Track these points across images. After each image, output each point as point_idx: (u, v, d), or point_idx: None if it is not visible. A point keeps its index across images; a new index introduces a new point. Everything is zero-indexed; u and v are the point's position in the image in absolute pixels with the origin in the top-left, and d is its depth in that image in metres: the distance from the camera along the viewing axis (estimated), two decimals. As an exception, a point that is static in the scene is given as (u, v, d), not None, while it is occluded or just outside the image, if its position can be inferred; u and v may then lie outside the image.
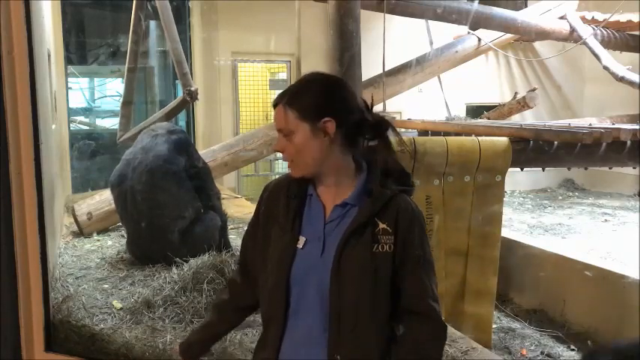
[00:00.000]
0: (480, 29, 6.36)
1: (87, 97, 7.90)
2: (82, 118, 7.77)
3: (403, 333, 1.40)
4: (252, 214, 1.52)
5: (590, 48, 6.25)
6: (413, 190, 1.43)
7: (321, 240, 1.38)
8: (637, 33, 6.79)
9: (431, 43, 6.59)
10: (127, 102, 5.64)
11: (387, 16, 5.04)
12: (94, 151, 6.36)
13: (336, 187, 1.40)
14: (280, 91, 1.41)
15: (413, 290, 1.38)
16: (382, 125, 1.40)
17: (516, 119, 7.33)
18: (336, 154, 1.38)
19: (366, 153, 1.42)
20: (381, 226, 1.35)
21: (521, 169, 4.26)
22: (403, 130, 6.27)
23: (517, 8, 6.88)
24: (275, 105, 1.38)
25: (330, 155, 1.37)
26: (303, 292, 1.38)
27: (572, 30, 6.38)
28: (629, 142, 4.08)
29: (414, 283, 1.38)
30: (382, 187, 1.38)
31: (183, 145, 3.97)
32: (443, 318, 1.42)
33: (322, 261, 1.36)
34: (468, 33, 6.52)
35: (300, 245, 1.38)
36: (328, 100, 1.37)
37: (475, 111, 8.04)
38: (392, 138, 1.41)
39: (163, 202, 3.75)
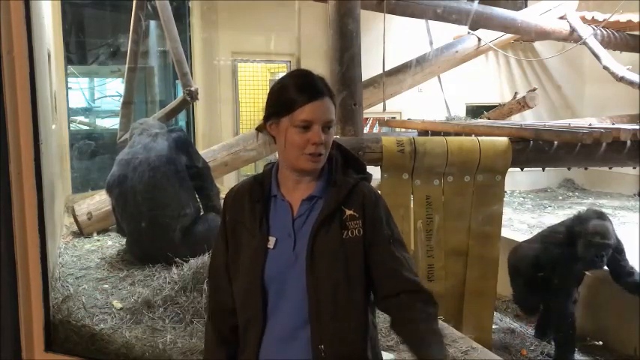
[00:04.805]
0: (480, 29, 6.35)
1: (87, 97, 7.89)
2: (82, 118, 7.75)
3: (403, 312, 1.41)
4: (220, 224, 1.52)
5: (590, 48, 6.23)
6: (371, 178, 1.50)
7: (291, 236, 1.40)
8: (637, 33, 6.78)
9: (431, 43, 6.57)
10: (127, 102, 5.64)
11: (387, 16, 5.04)
12: (94, 151, 6.34)
13: (303, 182, 1.43)
14: None
15: (391, 269, 1.41)
16: None
17: (516, 119, 7.31)
18: None
19: None
20: (348, 212, 1.40)
21: (521, 169, 4.26)
22: (403, 130, 6.28)
23: (517, 8, 6.86)
24: (318, 97, 1.37)
25: None
26: (281, 290, 1.39)
27: (572, 30, 6.37)
28: (629, 142, 4.08)
29: (390, 260, 1.41)
30: (345, 176, 1.44)
31: (184, 144, 3.98)
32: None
33: (295, 256, 1.38)
34: (468, 33, 6.51)
35: (270, 245, 1.40)
36: None
37: (475, 111, 8.04)
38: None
39: (165, 201, 3.76)
